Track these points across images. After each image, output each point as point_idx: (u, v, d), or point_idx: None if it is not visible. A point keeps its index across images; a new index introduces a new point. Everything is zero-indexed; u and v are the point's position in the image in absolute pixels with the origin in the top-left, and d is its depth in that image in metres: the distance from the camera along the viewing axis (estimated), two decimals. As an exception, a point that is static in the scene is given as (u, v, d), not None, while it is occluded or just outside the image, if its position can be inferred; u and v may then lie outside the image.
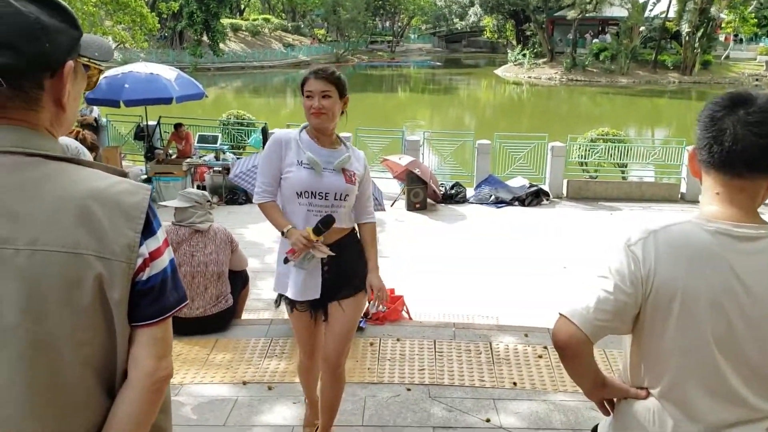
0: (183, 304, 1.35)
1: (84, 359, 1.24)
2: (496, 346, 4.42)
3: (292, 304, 3.02)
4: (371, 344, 4.47)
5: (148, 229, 1.29)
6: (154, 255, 1.29)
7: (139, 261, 1.26)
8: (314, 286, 2.93)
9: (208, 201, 4.81)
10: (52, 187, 1.22)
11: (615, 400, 1.73)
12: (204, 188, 12.20)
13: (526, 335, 4.60)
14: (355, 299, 3.02)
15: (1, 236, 1.17)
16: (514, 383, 3.92)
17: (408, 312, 5.23)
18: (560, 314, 1.59)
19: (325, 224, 2.79)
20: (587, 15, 44.18)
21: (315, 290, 2.93)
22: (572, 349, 1.60)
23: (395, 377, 3.99)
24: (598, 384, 1.69)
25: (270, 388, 3.88)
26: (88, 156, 4.66)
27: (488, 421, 3.50)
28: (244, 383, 3.94)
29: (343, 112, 2.95)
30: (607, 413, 1.75)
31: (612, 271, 1.55)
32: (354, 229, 3.06)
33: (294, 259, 2.83)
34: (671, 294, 1.49)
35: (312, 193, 2.86)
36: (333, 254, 2.87)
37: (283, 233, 2.87)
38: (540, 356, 4.28)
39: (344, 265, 2.97)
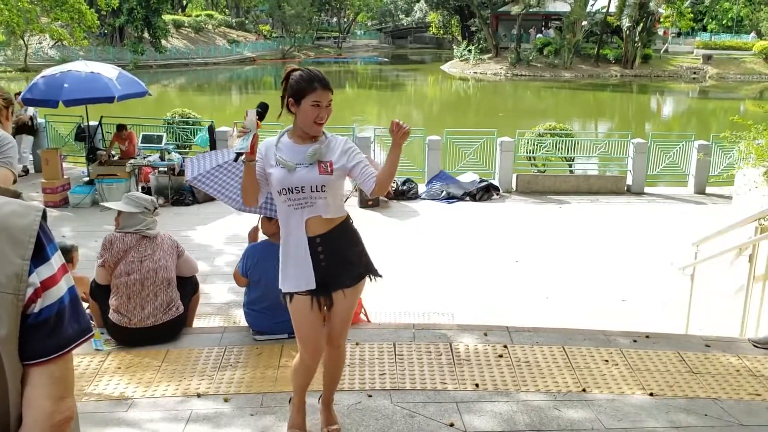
0: (86, 337, 1.20)
1: None
2: (456, 346, 4.37)
3: (290, 294, 3.16)
4: (329, 349, 4.36)
5: (40, 255, 1.15)
6: (48, 284, 1.15)
7: (30, 291, 1.12)
8: (307, 276, 3.08)
9: (156, 208, 4.62)
10: None
11: None
12: (149, 190, 11.88)
13: (485, 334, 4.56)
14: (357, 289, 3.24)
15: None
16: (476, 384, 3.87)
17: (366, 314, 5.14)
18: None
19: (262, 107, 2.99)
20: (531, 10, 44.89)
21: (309, 281, 3.08)
22: None
23: (356, 383, 3.89)
24: None
25: (226, 400, 3.73)
26: (11, 141, 4.03)
27: (452, 425, 3.44)
28: (199, 396, 3.78)
29: None
30: None
31: None
32: (347, 218, 3.20)
33: (235, 148, 2.95)
34: None
35: (288, 189, 3.04)
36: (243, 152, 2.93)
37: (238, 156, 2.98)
38: (500, 356, 4.24)
39: (340, 254, 3.13)
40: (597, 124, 28.90)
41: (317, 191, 3.03)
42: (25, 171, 13.40)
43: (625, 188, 13.15)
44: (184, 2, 63.57)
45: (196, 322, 5.91)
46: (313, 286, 3.08)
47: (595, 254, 9.07)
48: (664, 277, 7.90)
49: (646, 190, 13.22)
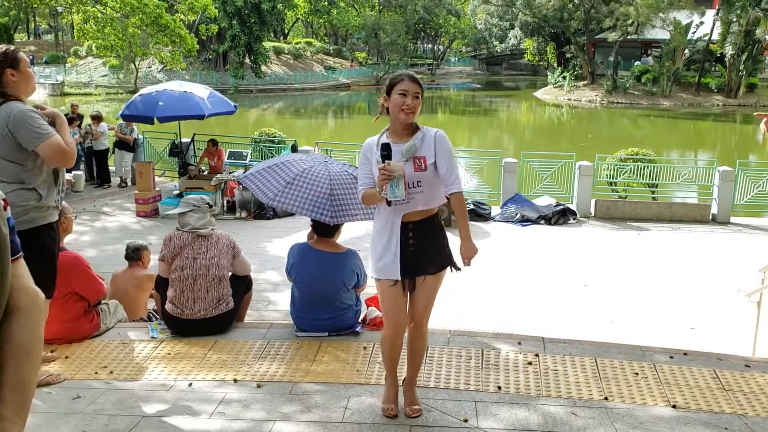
0: None
1: None
2: (487, 352, 4.45)
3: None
4: (364, 348, 4.54)
5: None
6: None
7: None
8: (395, 266, 3.32)
9: (207, 204, 4.96)
10: None
11: None
12: (233, 204, 12.49)
13: (519, 343, 4.61)
14: (438, 276, 3.47)
15: None
16: (499, 387, 3.94)
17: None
18: None
19: (384, 148, 3.20)
20: (629, 37, 43.89)
21: (395, 271, 3.33)
22: None
23: (382, 380, 4.04)
24: None
25: (259, 386, 3.98)
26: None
27: (466, 421, 3.54)
28: (235, 381, 4.05)
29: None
30: None
31: None
32: (437, 212, 3.44)
33: (386, 195, 3.18)
34: None
35: None
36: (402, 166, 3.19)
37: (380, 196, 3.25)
38: (530, 363, 4.29)
39: (426, 244, 3.38)
40: (696, 154, 27.83)
41: (414, 187, 3.25)
42: (125, 183, 14.38)
43: (710, 217, 12.70)
44: (286, 30, 66.06)
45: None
46: (398, 277, 3.33)
47: (668, 282, 8.82)
48: (735, 306, 7.62)
49: (733, 219, 12.72)
